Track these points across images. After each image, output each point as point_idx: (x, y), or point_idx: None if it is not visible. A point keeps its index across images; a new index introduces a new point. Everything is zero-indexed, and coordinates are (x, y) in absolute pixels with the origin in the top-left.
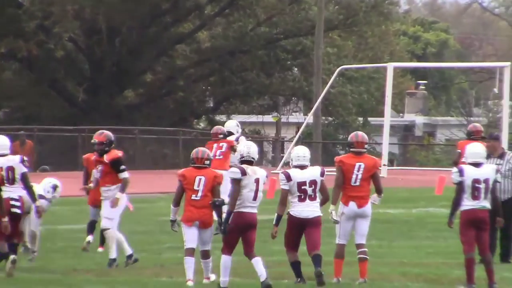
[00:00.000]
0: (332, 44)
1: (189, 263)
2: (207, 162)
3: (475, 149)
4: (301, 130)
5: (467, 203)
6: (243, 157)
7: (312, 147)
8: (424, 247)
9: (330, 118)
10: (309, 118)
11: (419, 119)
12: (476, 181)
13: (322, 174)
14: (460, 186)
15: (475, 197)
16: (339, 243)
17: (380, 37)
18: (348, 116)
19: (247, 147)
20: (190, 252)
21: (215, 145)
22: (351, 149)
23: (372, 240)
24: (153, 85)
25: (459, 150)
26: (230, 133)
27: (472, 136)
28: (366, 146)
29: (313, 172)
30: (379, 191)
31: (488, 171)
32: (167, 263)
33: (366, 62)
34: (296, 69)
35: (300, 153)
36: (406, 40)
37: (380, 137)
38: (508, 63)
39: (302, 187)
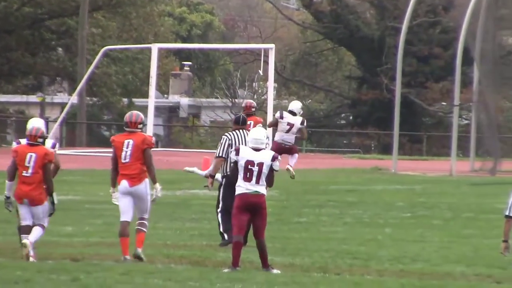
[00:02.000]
0: (96, 25)
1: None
2: (40, 139)
3: (257, 135)
4: (65, 110)
5: (241, 185)
6: None
7: (76, 128)
8: (188, 229)
9: (94, 99)
10: (74, 99)
11: (184, 101)
12: (249, 163)
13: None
14: (235, 165)
15: (246, 178)
16: (121, 221)
17: (144, 18)
18: (112, 96)
19: None
20: (26, 230)
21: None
22: (125, 128)
23: (135, 221)
24: None
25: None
26: (293, 113)
27: (244, 111)
28: (140, 126)
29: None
30: (149, 172)
31: (264, 156)
32: None
33: (130, 43)
34: (60, 49)
35: (34, 124)
36: (171, 22)
37: (145, 118)
38: (272, 45)
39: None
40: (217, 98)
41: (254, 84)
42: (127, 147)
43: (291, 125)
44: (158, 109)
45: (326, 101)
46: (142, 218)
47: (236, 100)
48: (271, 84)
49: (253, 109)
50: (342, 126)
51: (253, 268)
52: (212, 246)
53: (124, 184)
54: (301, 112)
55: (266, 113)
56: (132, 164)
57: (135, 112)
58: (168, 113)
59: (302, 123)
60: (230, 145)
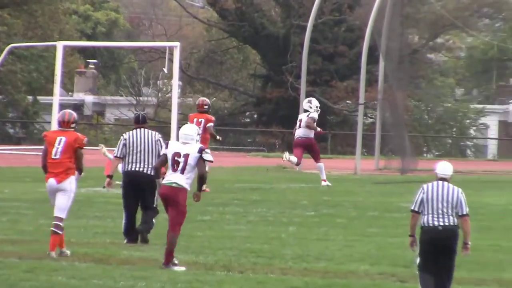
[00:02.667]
0: (2, 22)
1: None
2: None
3: (187, 131)
4: None
5: (166, 177)
6: None
7: None
8: (92, 227)
9: None
10: None
11: (89, 98)
12: (176, 154)
13: None
14: (163, 157)
15: (173, 169)
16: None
17: (50, 16)
18: (17, 94)
19: None
20: None
21: (195, 120)
22: (58, 127)
23: (40, 219)
24: None
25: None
26: (306, 111)
27: (197, 109)
28: (73, 125)
29: None
30: (79, 169)
31: (191, 148)
32: None
33: (36, 40)
34: None
35: None
36: (76, 19)
37: (50, 116)
38: (177, 43)
39: None
40: (121, 96)
41: (158, 82)
42: (59, 144)
43: (300, 121)
44: (62, 106)
45: (231, 100)
46: (59, 219)
47: (141, 98)
48: (175, 82)
49: (206, 107)
50: (246, 125)
51: (157, 266)
52: (115, 243)
53: (51, 182)
54: (317, 106)
55: (170, 111)
56: (61, 162)
57: (68, 111)
58: (73, 110)
59: (308, 115)
60: (125, 145)
